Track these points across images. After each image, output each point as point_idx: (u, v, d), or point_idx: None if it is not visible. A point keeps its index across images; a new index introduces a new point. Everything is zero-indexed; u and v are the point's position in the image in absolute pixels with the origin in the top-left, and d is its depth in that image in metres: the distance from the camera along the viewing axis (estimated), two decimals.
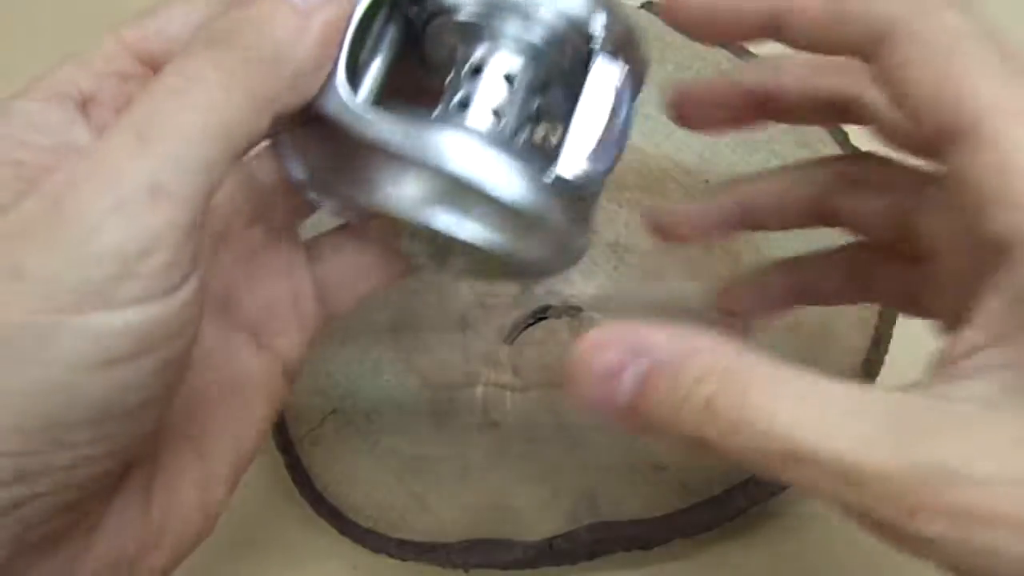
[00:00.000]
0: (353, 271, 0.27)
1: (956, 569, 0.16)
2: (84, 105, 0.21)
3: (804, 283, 0.28)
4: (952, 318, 0.21)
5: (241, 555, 0.37)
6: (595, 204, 0.25)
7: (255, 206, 0.25)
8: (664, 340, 0.18)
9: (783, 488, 0.34)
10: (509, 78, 0.23)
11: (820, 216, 0.26)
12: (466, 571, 0.35)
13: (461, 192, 0.21)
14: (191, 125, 0.18)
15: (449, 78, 0.24)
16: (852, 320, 0.36)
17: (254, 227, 0.25)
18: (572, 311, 0.37)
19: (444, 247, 0.24)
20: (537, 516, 0.34)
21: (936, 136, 0.18)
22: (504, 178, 0.21)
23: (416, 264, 0.26)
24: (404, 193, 0.21)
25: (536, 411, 0.36)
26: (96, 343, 0.17)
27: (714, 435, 0.17)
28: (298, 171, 0.24)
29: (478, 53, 0.23)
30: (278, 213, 0.26)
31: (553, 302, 0.37)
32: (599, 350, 0.19)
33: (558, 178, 0.22)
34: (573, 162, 0.22)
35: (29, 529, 0.18)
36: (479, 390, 0.36)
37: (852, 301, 0.28)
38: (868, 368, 0.35)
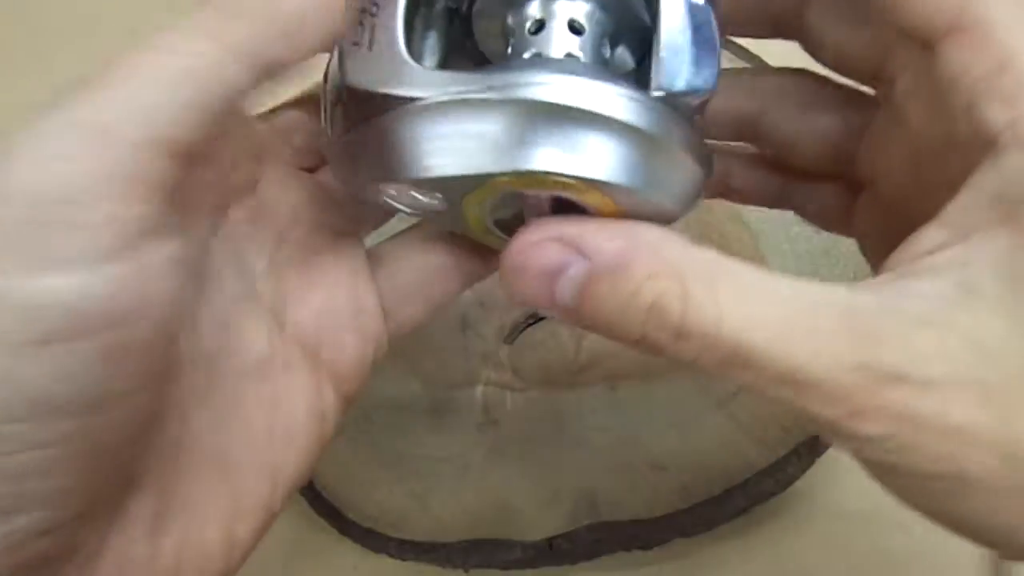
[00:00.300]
0: (421, 278, 0.24)
1: (901, 472, 0.16)
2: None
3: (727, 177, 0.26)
4: (880, 241, 0.22)
5: None
6: (701, 136, 0.21)
7: (319, 213, 0.23)
8: (605, 238, 0.17)
9: (783, 488, 0.34)
10: (575, 27, 0.21)
11: (745, 130, 0.24)
12: (466, 571, 0.35)
13: (566, 125, 0.18)
14: (149, 68, 0.16)
15: (510, 47, 0.22)
16: None
17: (316, 234, 0.23)
18: None
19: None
20: (537, 516, 0.34)
21: (926, 32, 0.18)
22: (611, 98, 0.18)
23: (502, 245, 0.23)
24: (499, 144, 0.19)
25: (536, 411, 0.36)
26: (19, 314, 0.14)
27: (661, 338, 0.17)
28: (357, 174, 0.21)
29: (534, 7, 0.21)
30: (342, 220, 0.24)
31: None
32: (537, 248, 0.18)
33: (668, 93, 0.19)
34: (675, 73, 0.19)
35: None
36: (479, 390, 0.36)
37: (775, 206, 0.26)
38: None
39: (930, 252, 0.17)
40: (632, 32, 0.22)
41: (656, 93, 0.19)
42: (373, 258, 0.24)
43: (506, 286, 0.19)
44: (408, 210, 0.21)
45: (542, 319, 0.36)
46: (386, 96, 0.19)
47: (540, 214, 0.20)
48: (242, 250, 0.22)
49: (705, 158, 0.20)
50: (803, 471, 0.35)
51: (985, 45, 0.17)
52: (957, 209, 0.17)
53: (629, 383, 0.36)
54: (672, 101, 0.19)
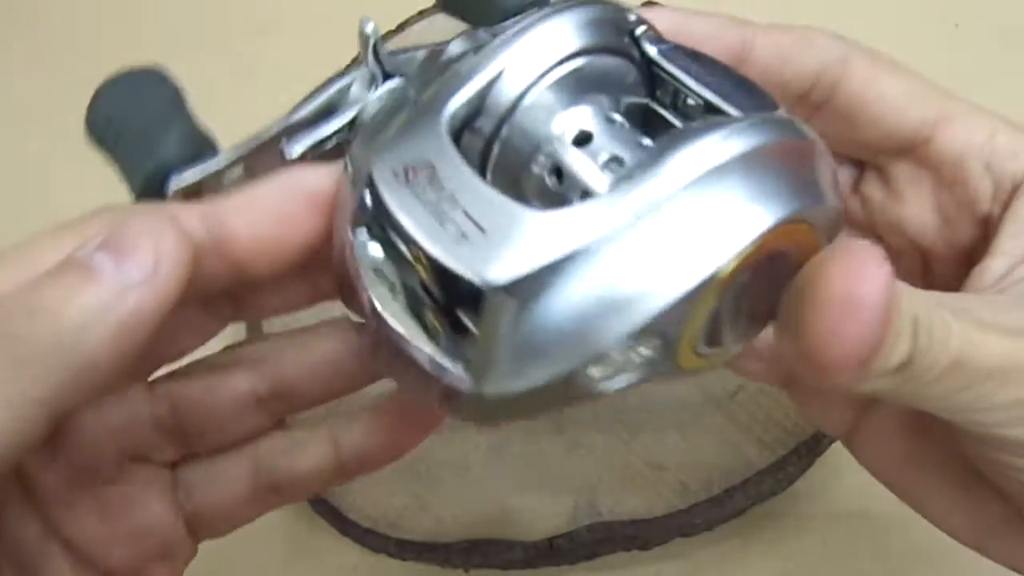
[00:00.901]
0: (229, 502, 0.22)
1: None
2: None
3: None
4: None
5: (241, 555, 0.37)
6: None
7: (129, 445, 0.21)
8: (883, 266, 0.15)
9: (783, 488, 0.34)
10: (585, 138, 0.18)
11: None
12: (466, 571, 0.35)
13: (755, 169, 0.16)
14: None
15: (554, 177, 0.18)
16: None
17: (115, 466, 0.21)
18: None
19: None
20: (537, 516, 0.34)
21: (919, 134, 0.22)
22: (762, 123, 0.16)
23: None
24: (716, 228, 0.16)
25: None
26: None
27: (919, 354, 0.16)
28: (549, 368, 0.16)
29: (559, 124, 0.18)
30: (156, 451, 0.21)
31: None
32: (860, 278, 0.15)
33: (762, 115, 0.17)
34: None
35: None
36: None
37: None
38: None
39: (999, 279, 0.19)
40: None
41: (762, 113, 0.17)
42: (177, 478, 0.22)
43: (829, 336, 0.15)
44: (611, 385, 0.17)
45: None
46: (553, 265, 0.15)
47: (759, 300, 0.17)
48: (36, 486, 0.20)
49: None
50: (803, 471, 0.35)
51: (973, 123, 0.21)
52: (1007, 238, 0.20)
53: None
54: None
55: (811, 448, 0.34)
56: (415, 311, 0.17)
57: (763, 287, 0.17)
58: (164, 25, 0.54)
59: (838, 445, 0.35)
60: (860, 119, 0.22)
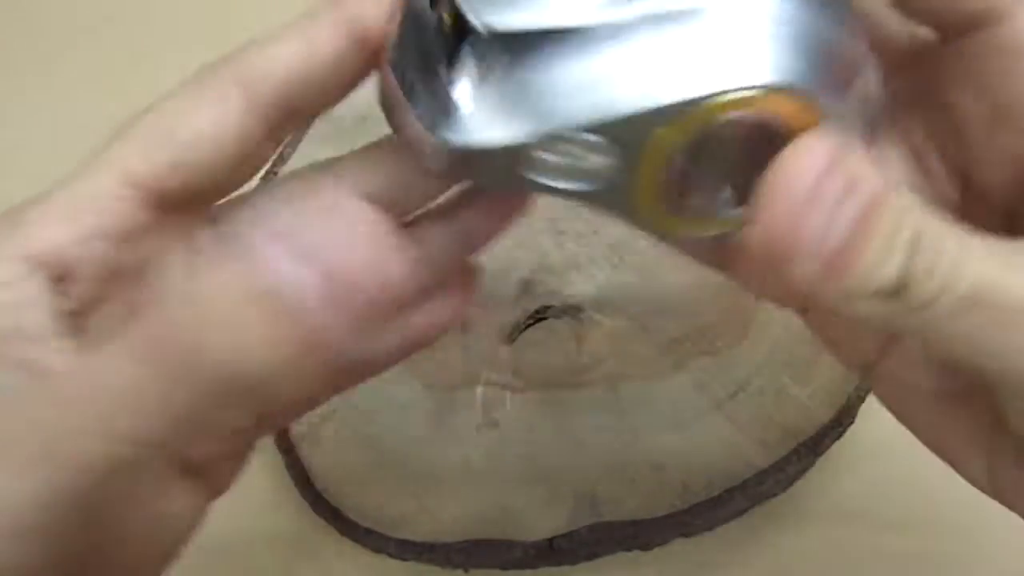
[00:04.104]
0: None
1: None
2: (60, 280, 0.18)
3: None
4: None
5: (241, 555, 0.37)
6: None
7: None
8: (865, 163, 0.15)
9: (783, 488, 0.34)
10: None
11: None
12: (466, 571, 0.35)
13: (781, 22, 0.16)
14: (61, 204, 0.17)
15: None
16: None
17: None
18: (572, 311, 0.37)
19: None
20: (537, 516, 0.34)
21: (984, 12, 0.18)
22: None
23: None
24: (706, 62, 0.16)
25: (536, 411, 0.36)
26: None
27: (917, 277, 0.15)
28: (498, 132, 0.17)
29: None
30: None
31: (553, 302, 0.37)
32: (811, 165, 0.14)
33: None
34: None
35: None
36: (479, 390, 0.36)
37: None
38: None
39: None
40: None
41: None
42: None
43: (771, 232, 0.15)
44: (559, 183, 0.17)
45: (542, 319, 0.36)
46: (546, 32, 0.16)
47: (733, 164, 0.17)
48: None
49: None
50: (803, 471, 0.35)
51: None
52: None
53: (629, 383, 0.36)
54: None
55: (811, 448, 0.34)
56: (426, 59, 0.17)
57: (753, 163, 0.16)
58: (164, 25, 0.54)
59: (838, 445, 0.35)
60: None
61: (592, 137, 0.16)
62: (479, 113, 0.16)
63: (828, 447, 0.34)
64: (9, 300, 0.17)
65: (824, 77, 0.16)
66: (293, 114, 0.19)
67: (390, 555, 0.35)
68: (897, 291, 0.15)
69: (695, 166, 0.17)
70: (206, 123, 0.18)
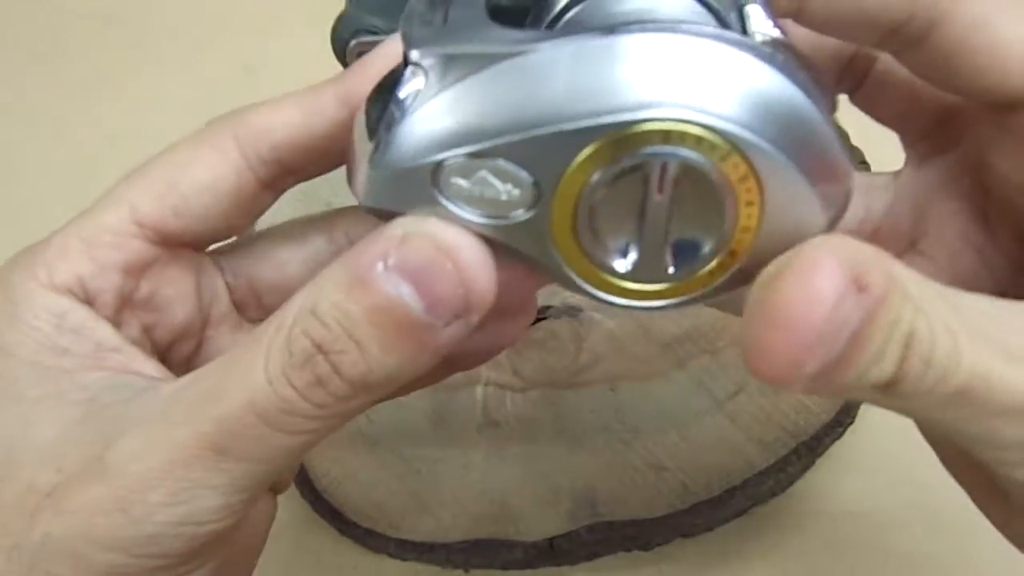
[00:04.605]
0: None
1: None
2: (89, 306, 0.20)
3: None
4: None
5: None
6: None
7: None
8: (880, 265, 0.14)
9: (783, 488, 0.34)
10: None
11: None
12: (466, 571, 0.35)
13: (709, 64, 0.15)
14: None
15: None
16: None
17: None
18: (572, 311, 0.37)
19: None
20: (537, 516, 0.34)
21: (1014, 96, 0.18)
22: (753, 45, 0.16)
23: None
24: (623, 88, 0.15)
25: (536, 411, 0.36)
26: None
27: (913, 371, 0.14)
28: (417, 153, 0.16)
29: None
30: None
31: (553, 302, 0.37)
32: (818, 274, 0.14)
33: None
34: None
35: None
36: (479, 390, 0.36)
37: None
38: None
39: None
40: None
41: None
42: None
43: (767, 331, 0.14)
44: (473, 214, 0.17)
45: (542, 319, 0.36)
46: (475, 56, 0.16)
47: (655, 209, 0.16)
48: None
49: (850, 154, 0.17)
50: (803, 471, 0.35)
51: None
52: None
53: (629, 383, 0.36)
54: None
55: (811, 448, 0.34)
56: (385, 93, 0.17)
57: (686, 213, 0.16)
58: (164, 25, 0.54)
59: (838, 445, 0.35)
60: (961, 68, 0.18)
61: (508, 164, 0.16)
62: (403, 138, 0.16)
63: (828, 447, 0.34)
64: (76, 324, 0.19)
65: (768, 128, 0.15)
66: (289, 172, 0.21)
67: (390, 555, 0.35)
68: (891, 384, 0.15)
69: (612, 205, 0.16)
70: (205, 175, 0.20)
